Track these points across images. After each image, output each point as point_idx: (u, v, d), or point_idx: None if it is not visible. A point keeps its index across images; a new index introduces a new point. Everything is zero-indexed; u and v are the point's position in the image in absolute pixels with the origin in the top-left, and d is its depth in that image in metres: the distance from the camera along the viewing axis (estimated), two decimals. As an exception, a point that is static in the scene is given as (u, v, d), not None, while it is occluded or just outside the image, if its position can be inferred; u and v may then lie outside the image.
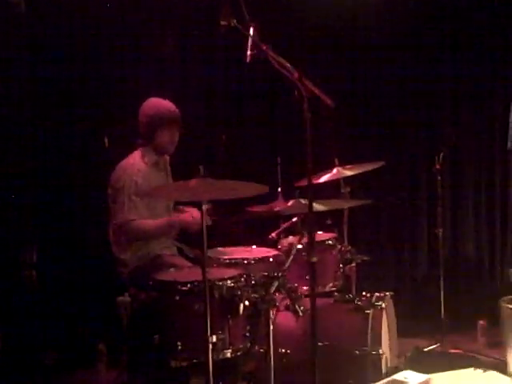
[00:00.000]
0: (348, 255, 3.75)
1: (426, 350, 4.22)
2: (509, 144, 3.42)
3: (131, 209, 3.58)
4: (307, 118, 2.48)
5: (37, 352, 4.15)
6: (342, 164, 3.85)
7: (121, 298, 3.13)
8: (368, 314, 3.31)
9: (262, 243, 3.84)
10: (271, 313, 2.90)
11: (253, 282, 3.02)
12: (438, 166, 4.43)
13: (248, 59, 2.77)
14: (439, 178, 4.46)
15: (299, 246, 3.45)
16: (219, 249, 3.75)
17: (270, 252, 3.64)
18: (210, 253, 3.62)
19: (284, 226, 3.84)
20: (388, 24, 4.95)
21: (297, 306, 3.14)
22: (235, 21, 2.69)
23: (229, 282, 2.95)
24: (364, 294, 3.53)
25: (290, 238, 3.80)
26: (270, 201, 4.02)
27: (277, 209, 3.79)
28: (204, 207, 2.67)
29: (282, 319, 3.26)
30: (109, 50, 4.76)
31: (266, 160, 4.71)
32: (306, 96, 2.47)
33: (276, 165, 4.18)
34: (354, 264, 3.86)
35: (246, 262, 3.46)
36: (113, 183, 3.70)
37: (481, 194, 5.16)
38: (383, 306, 3.38)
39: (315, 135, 2.49)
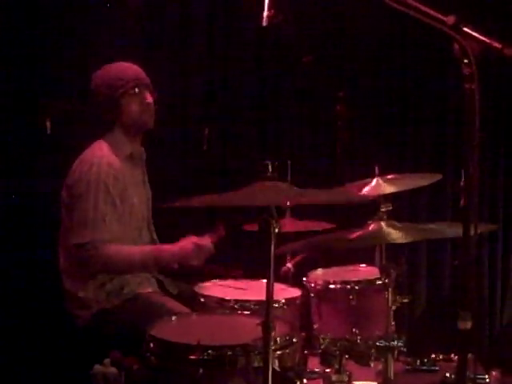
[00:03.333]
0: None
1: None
2: None
3: (99, 223, 2.43)
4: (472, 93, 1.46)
5: None
6: (384, 174, 2.86)
7: (98, 369, 1.91)
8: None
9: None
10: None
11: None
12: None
13: (264, 22, 2.50)
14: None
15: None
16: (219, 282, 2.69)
17: (292, 291, 2.61)
18: (206, 289, 2.58)
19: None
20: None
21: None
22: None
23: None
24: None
25: (320, 272, 2.77)
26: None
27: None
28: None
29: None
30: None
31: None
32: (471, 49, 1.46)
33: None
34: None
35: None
36: (71, 185, 2.54)
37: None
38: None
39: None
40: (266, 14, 2.71)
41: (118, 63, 2.71)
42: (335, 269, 2.82)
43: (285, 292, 2.60)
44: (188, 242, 2.48)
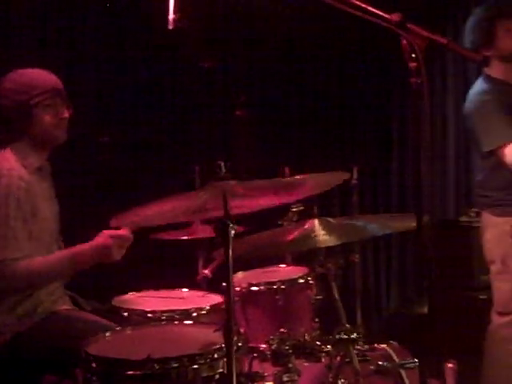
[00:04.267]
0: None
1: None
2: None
3: (10, 241, 2.25)
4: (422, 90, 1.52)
5: None
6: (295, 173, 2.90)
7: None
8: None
9: (191, 284, 2.76)
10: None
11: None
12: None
13: (170, 25, 2.47)
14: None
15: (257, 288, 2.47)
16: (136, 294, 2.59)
17: (214, 297, 2.56)
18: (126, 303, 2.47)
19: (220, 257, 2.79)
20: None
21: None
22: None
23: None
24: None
25: (241, 275, 2.74)
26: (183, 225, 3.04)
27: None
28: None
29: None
30: None
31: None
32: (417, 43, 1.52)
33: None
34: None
35: (195, 314, 2.36)
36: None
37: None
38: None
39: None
40: (171, 17, 2.67)
41: (34, 69, 2.46)
42: (255, 271, 2.80)
43: (207, 299, 2.55)
44: (105, 237, 2.29)
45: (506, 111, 2.67)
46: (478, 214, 3.09)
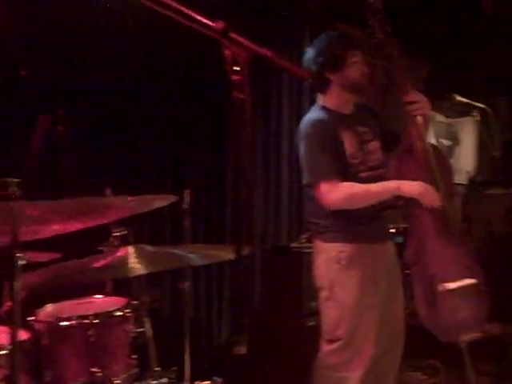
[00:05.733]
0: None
1: None
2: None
3: None
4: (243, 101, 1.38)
5: None
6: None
7: None
8: None
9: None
10: None
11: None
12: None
13: None
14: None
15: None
16: None
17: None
18: None
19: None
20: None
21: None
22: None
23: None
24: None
25: (50, 308, 2.43)
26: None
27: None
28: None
29: None
30: None
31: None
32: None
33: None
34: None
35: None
36: None
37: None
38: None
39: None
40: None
41: None
42: (67, 303, 2.51)
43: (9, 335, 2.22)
44: None
45: (331, 146, 2.65)
46: (309, 240, 3.05)
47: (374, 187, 2.67)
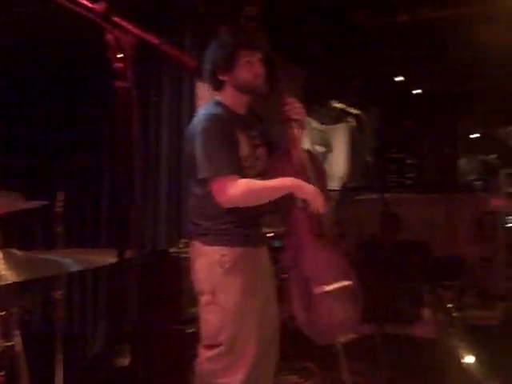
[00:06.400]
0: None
1: None
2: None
3: None
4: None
5: None
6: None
7: None
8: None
9: None
10: None
11: None
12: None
13: None
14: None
15: None
16: None
17: None
18: None
19: None
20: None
21: None
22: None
23: None
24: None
25: None
26: None
27: None
28: None
29: None
30: None
31: None
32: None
33: None
34: None
35: None
36: None
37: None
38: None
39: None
40: None
41: None
42: None
43: None
44: None
45: (228, 142, 2.61)
46: (188, 245, 2.99)
47: (270, 183, 2.64)
